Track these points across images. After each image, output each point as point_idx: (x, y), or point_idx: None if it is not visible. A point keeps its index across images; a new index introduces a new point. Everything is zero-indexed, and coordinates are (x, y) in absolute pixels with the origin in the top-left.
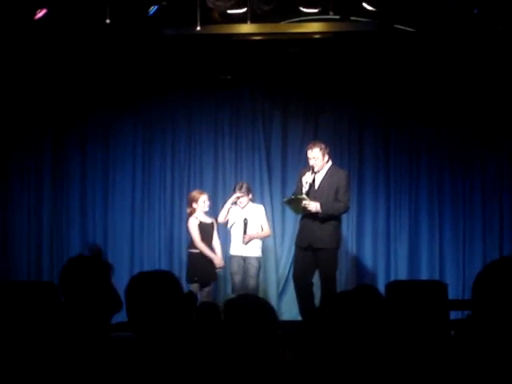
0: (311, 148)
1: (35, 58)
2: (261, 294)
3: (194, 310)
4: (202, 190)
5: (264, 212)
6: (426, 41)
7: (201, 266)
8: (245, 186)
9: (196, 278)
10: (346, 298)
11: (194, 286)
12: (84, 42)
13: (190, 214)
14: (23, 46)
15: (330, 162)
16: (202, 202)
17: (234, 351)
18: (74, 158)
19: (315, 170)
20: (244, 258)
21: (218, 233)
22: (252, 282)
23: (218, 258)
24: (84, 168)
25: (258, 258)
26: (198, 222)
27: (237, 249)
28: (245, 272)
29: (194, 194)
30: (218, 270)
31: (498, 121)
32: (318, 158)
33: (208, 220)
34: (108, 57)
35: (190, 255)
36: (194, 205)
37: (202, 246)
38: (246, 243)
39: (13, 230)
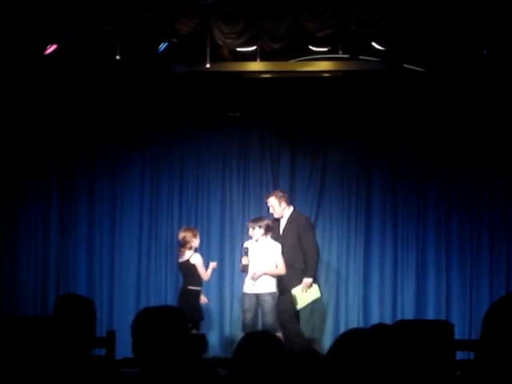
0: (268, 197)
1: (44, 92)
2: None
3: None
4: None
5: (280, 250)
6: (434, 80)
7: (199, 304)
8: (265, 222)
9: (196, 318)
10: (362, 337)
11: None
12: (94, 78)
13: (189, 249)
14: (33, 81)
15: (292, 208)
16: (198, 239)
17: None
18: (81, 193)
19: (275, 216)
20: (257, 296)
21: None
22: (268, 319)
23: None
24: (91, 203)
25: (271, 294)
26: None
27: (249, 286)
28: (260, 309)
29: (191, 230)
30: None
31: (507, 162)
32: (274, 206)
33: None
34: (117, 92)
35: (189, 292)
36: (195, 241)
37: (209, 277)
38: (256, 279)
39: (19, 264)
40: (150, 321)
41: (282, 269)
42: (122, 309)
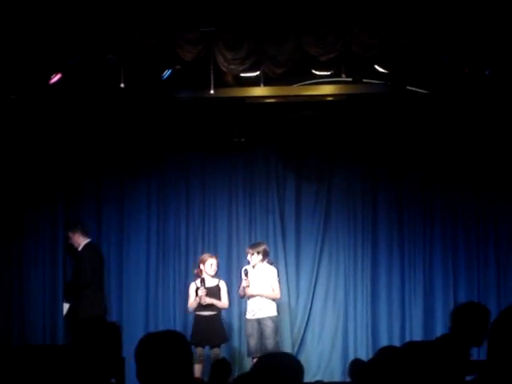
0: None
1: (50, 121)
2: None
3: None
4: (214, 253)
5: (276, 274)
6: (438, 102)
7: (207, 329)
8: (263, 247)
9: (202, 341)
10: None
11: (199, 349)
12: (98, 106)
13: (197, 276)
14: (38, 110)
15: (87, 240)
16: (209, 265)
17: None
18: (88, 220)
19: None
20: (258, 320)
21: (229, 294)
22: (269, 343)
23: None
24: (99, 230)
25: (271, 318)
26: (195, 288)
27: (250, 312)
28: (261, 334)
29: (204, 256)
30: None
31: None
32: (71, 238)
33: (212, 283)
34: (122, 120)
35: (197, 317)
36: (202, 266)
37: (192, 306)
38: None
39: (28, 293)
40: (151, 346)
41: (277, 293)
42: (131, 336)
